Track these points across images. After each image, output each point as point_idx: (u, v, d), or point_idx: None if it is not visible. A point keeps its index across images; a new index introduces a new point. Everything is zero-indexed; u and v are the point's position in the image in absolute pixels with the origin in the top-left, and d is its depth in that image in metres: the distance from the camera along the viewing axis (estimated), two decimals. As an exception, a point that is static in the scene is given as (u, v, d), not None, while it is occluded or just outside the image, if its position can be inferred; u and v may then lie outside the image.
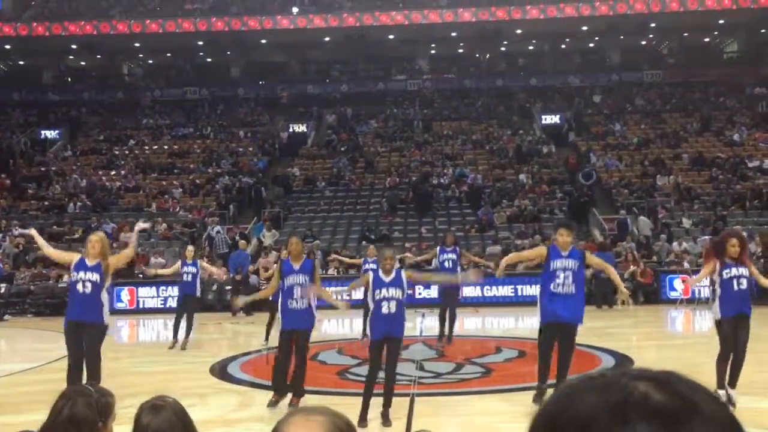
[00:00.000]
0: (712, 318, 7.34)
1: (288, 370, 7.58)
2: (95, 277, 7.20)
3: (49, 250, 8.01)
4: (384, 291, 6.93)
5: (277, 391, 7.56)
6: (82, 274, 7.23)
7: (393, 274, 7.01)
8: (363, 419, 6.76)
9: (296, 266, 7.55)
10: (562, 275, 6.95)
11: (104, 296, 7.34)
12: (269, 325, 12.14)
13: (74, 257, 7.54)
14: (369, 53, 33.92)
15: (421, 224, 22.69)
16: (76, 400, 2.58)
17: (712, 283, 7.22)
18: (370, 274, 7.20)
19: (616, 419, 0.71)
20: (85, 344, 7.20)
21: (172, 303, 18.38)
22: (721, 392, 6.85)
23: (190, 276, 12.32)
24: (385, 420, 6.81)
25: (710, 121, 28.66)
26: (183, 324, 12.28)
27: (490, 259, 19.62)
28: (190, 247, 13.23)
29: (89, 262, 7.28)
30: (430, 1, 31.69)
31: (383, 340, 6.90)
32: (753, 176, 23.95)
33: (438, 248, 12.25)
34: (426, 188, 24.27)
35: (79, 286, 7.22)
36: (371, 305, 7.07)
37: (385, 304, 6.90)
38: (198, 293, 12.65)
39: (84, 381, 6.94)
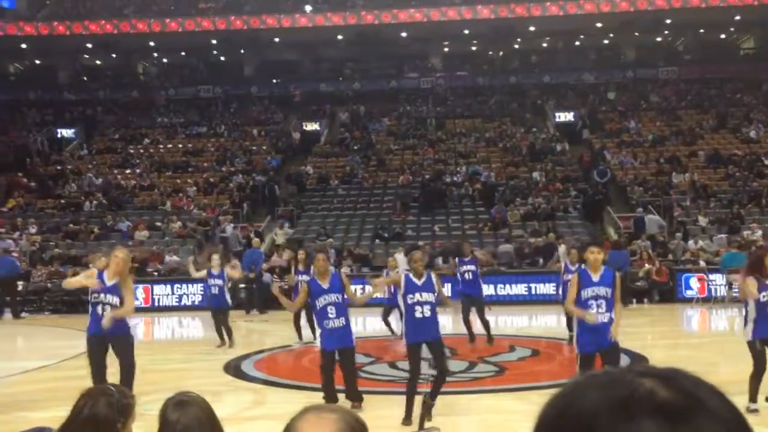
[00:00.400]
0: (743, 337, 7.13)
1: (334, 385, 7.49)
2: (115, 300, 7.25)
3: (68, 281, 8.07)
4: (417, 295, 6.88)
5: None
6: (102, 297, 7.28)
7: (424, 277, 6.97)
8: (408, 417, 6.80)
9: (325, 285, 7.41)
10: (594, 304, 6.55)
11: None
12: (297, 323, 12.07)
13: (94, 274, 7.47)
14: (381, 51, 33.91)
15: (434, 222, 22.66)
16: (98, 399, 2.61)
17: (746, 301, 7.07)
18: (402, 277, 7.10)
19: (621, 415, 0.71)
20: (119, 357, 7.31)
21: (187, 301, 18.54)
22: (755, 406, 6.78)
23: (217, 289, 12.01)
24: (428, 411, 6.83)
25: (726, 118, 28.41)
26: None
27: (503, 257, 19.66)
28: (216, 257, 12.52)
29: (108, 281, 7.29)
30: (443, -1, 31.64)
31: (421, 344, 6.91)
32: (770, 174, 23.73)
33: (457, 260, 12.16)
34: (439, 186, 24.23)
35: (99, 309, 7.29)
36: (402, 307, 7.04)
37: (418, 308, 6.86)
38: (228, 303, 12.25)
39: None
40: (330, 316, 7.29)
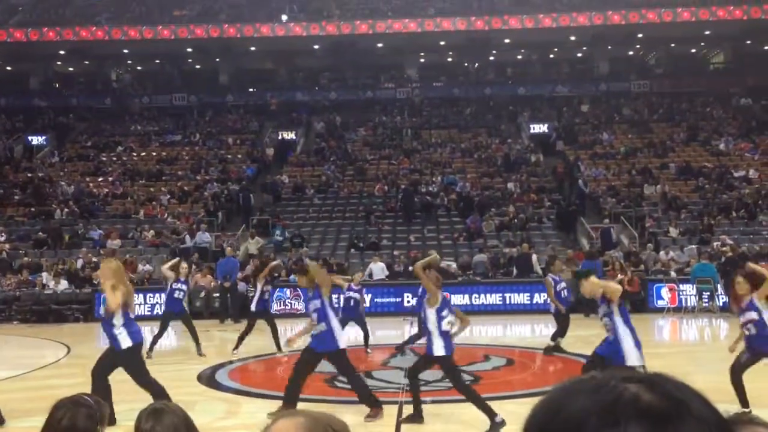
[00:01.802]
0: None
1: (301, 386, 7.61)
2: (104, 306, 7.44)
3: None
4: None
5: (372, 404, 7.47)
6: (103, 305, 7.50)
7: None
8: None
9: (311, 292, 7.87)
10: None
11: (117, 320, 7.23)
12: (243, 337, 12.07)
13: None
14: (358, 61, 34.00)
15: (409, 232, 22.70)
16: (77, 410, 2.54)
17: None
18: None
19: (607, 420, 0.72)
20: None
21: (160, 310, 18.28)
22: None
23: (181, 293, 12.24)
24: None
25: (697, 131, 28.89)
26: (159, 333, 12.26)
27: (478, 267, 19.72)
28: (184, 264, 13.15)
29: (102, 291, 7.53)
30: (419, 10, 31.83)
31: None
32: (739, 186, 24.14)
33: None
34: (424, 198, 24.26)
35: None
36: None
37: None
38: (186, 310, 12.66)
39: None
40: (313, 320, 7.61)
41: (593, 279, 7.11)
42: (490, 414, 6.82)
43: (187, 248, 20.93)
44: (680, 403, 0.73)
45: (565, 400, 0.76)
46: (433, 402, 8.35)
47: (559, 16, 30.72)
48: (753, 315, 7.07)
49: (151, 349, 11.65)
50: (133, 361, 7.31)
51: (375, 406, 7.40)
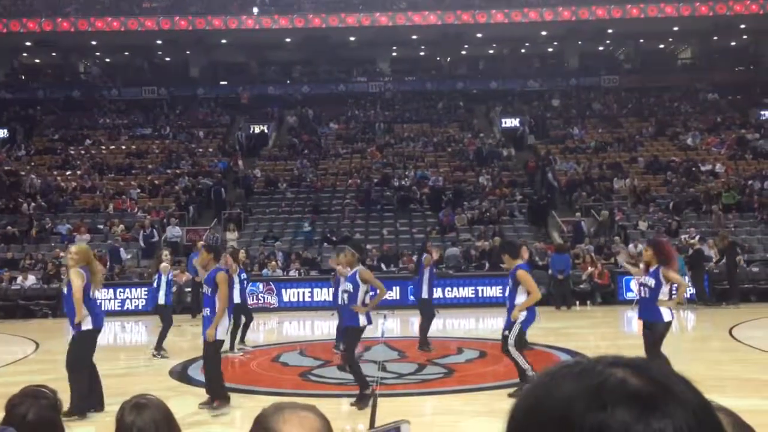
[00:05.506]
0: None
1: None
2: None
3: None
4: None
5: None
6: None
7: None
8: None
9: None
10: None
11: (75, 300, 7.56)
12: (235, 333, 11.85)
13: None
14: (330, 55, 33.88)
15: (382, 226, 22.73)
16: (39, 403, 2.47)
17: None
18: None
19: (594, 405, 0.73)
20: None
21: (131, 305, 18.12)
22: None
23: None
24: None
25: (665, 126, 29.30)
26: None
27: (450, 261, 19.82)
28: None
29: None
30: (391, 4, 31.80)
31: None
32: (706, 180, 24.55)
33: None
34: (398, 192, 24.25)
35: None
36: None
37: None
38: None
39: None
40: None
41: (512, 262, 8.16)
42: (364, 385, 7.61)
43: (155, 241, 20.70)
44: (665, 387, 0.75)
45: (551, 386, 0.77)
46: (407, 395, 8.40)
47: (529, 12, 30.94)
48: (651, 281, 7.61)
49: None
50: (75, 343, 7.74)
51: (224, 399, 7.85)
